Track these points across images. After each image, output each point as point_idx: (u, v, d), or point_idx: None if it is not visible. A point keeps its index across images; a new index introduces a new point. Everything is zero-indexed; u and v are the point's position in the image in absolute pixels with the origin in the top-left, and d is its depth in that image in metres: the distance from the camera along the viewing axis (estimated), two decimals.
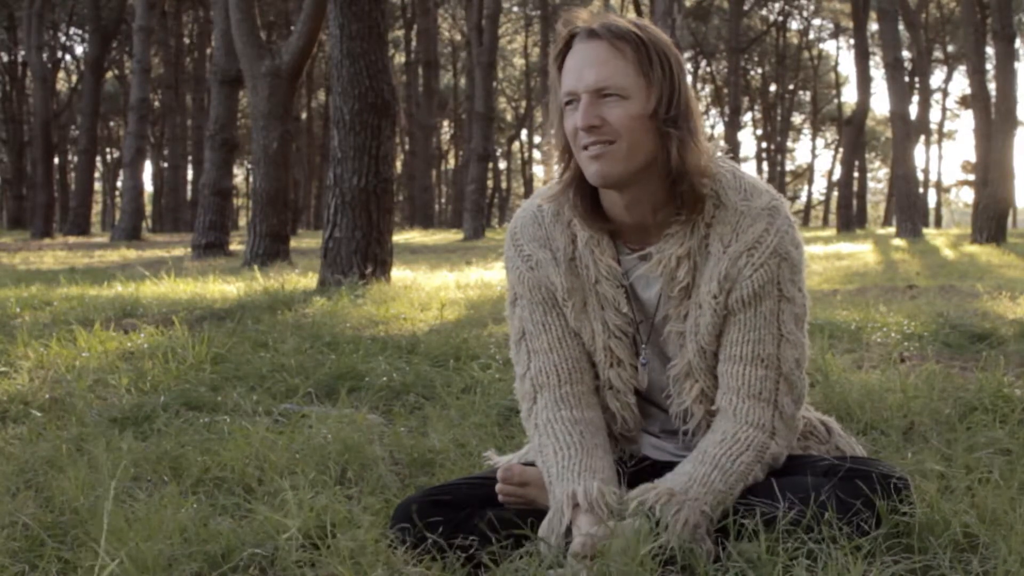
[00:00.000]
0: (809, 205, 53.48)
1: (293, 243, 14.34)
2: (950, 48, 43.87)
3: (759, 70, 49.16)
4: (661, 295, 2.01)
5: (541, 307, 2.06)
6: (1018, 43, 21.80)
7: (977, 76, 20.62)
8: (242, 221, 42.49)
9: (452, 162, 49.46)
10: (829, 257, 13.96)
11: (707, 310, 1.96)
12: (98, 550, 1.86)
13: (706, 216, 1.95)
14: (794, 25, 47.12)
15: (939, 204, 48.26)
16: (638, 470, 2.06)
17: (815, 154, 53.02)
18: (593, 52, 1.88)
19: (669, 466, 2.01)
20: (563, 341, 2.05)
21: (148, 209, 42.07)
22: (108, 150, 49.33)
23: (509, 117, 52.65)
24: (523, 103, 50.92)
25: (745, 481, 1.89)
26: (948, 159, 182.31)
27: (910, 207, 21.26)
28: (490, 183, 41.17)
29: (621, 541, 1.72)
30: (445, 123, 49.67)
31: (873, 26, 31.43)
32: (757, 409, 1.94)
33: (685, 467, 1.91)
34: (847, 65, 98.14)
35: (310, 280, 8.12)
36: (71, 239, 24.57)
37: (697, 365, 2.00)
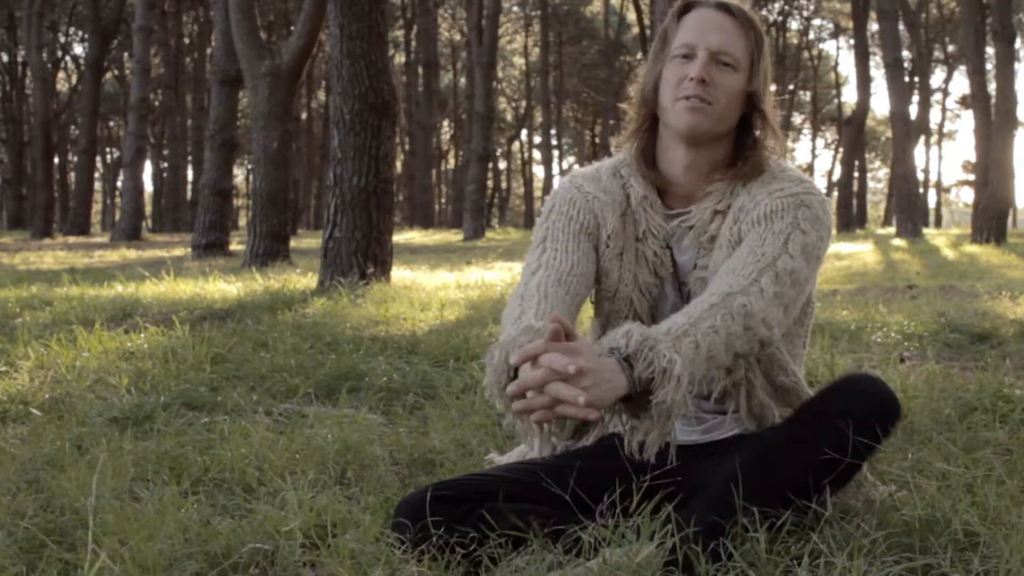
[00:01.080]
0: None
1: (293, 243, 14.34)
2: (950, 48, 43.88)
3: None
4: (696, 251, 2.10)
5: (578, 225, 2.12)
6: (1018, 43, 21.80)
7: (977, 76, 20.61)
8: (242, 221, 42.48)
9: (452, 162, 49.46)
10: (829, 257, 13.94)
11: (724, 246, 2.05)
12: (98, 550, 1.86)
13: (745, 178, 2.07)
14: (794, 25, 47.15)
15: (939, 204, 48.27)
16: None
17: (815, 154, 53.02)
18: (723, 20, 2.05)
19: (692, 451, 2.03)
20: (587, 256, 2.09)
21: (148, 209, 42.08)
22: (108, 150, 49.34)
23: (509, 117, 52.66)
24: (523, 103, 50.94)
25: (713, 320, 1.84)
26: (948, 159, 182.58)
27: (910, 207, 21.26)
28: (490, 183, 41.17)
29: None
30: (445, 123, 49.67)
31: (873, 26, 31.43)
32: (732, 279, 1.93)
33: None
34: (847, 65, 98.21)
35: (310, 280, 8.12)
36: (71, 239, 24.57)
37: None
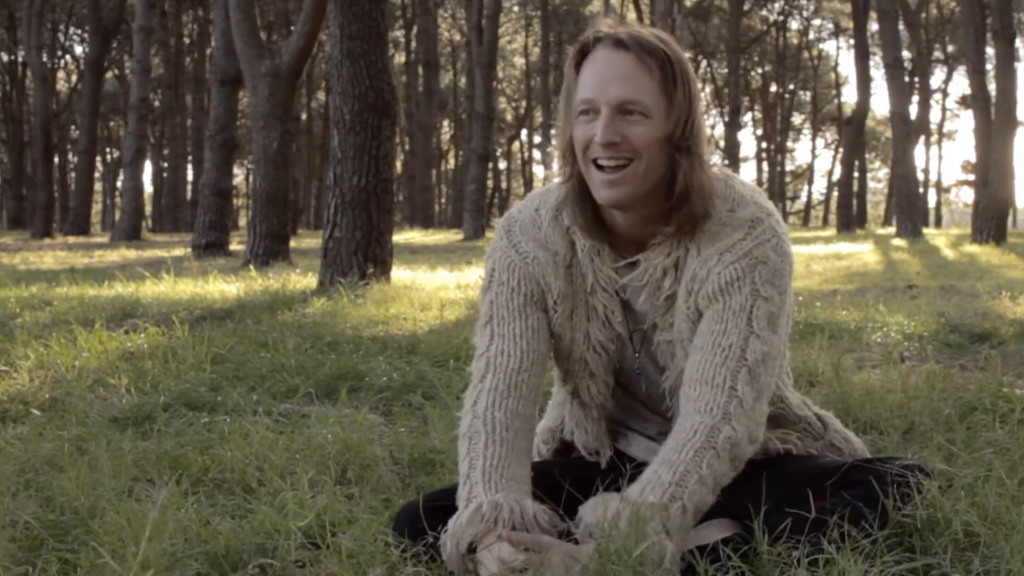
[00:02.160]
0: (809, 205, 53.49)
1: (293, 243, 14.34)
2: (950, 48, 43.87)
3: (759, 70, 49.17)
4: (650, 305, 1.98)
5: (522, 297, 1.99)
6: (1018, 43, 21.79)
7: (977, 76, 20.63)
8: (242, 221, 42.47)
9: (452, 162, 49.46)
10: (829, 257, 13.96)
11: (681, 316, 1.93)
12: (100, 550, 1.86)
13: (694, 229, 1.91)
14: (794, 25, 47.19)
15: (939, 204, 48.27)
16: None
17: (815, 154, 53.08)
18: (619, 64, 1.82)
19: None
20: (536, 334, 1.98)
21: (148, 209, 42.07)
22: (108, 150, 49.33)
23: (509, 117, 52.66)
24: (523, 103, 50.95)
25: (699, 471, 1.78)
26: (948, 159, 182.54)
27: (910, 207, 21.27)
28: (490, 183, 41.15)
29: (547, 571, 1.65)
30: (445, 123, 49.69)
31: (873, 26, 31.43)
32: (708, 394, 1.85)
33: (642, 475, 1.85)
34: (847, 65, 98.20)
35: (310, 280, 8.12)
36: (71, 239, 24.57)
37: None
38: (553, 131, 1.98)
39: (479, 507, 1.77)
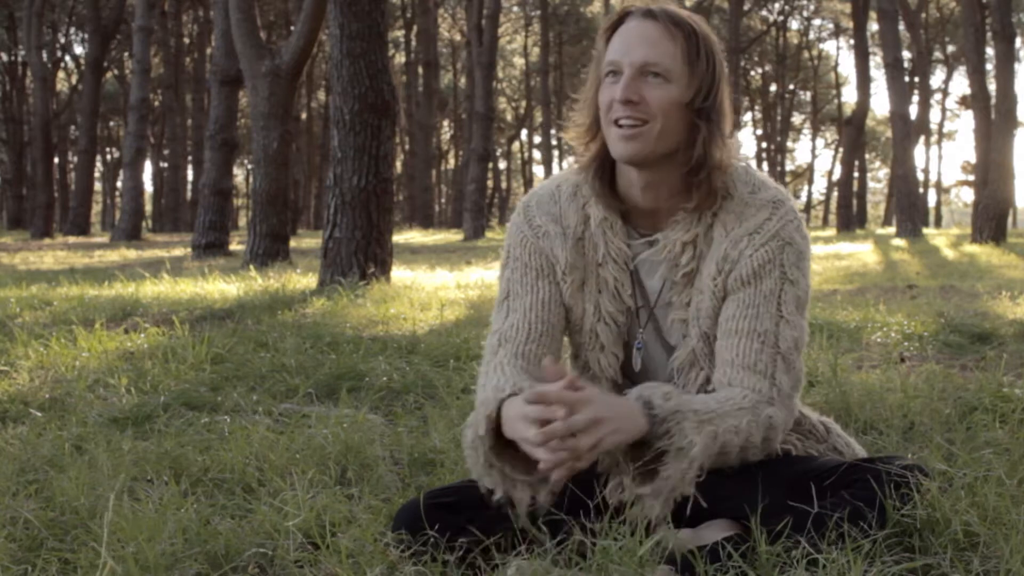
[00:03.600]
0: (809, 205, 53.48)
1: (293, 243, 14.34)
2: (950, 48, 43.87)
3: (759, 70, 49.17)
4: (665, 282, 2.02)
5: (534, 271, 2.06)
6: (1018, 43, 21.80)
7: (977, 76, 20.60)
8: (242, 221, 42.48)
9: (452, 162, 49.45)
10: (829, 257, 13.95)
11: (707, 295, 1.97)
12: (100, 550, 1.86)
13: (713, 206, 1.97)
14: (794, 25, 47.18)
15: (939, 204, 48.27)
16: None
17: (815, 154, 53.09)
18: (646, 30, 1.91)
19: None
20: (547, 305, 2.04)
21: (148, 209, 42.07)
22: (108, 150, 49.34)
23: (509, 117, 52.66)
24: (523, 103, 50.95)
25: (737, 421, 1.83)
26: (948, 159, 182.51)
27: (910, 207, 21.26)
28: (490, 183, 41.16)
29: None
30: (445, 123, 49.68)
31: (873, 26, 31.44)
32: (754, 379, 1.91)
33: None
34: (847, 65, 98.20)
35: (310, 280, 8.12)
36: (71, 239, 24.58)
37: (701, 351, 2.01)
38: (581, 104, 2.03)
39: (493, 389, 1.84)
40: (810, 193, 54.70)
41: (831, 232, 27.41)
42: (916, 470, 1.89)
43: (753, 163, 2.06)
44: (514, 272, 2.08)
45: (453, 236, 25.17)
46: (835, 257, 14.06)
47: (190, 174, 38.84)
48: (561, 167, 53.41)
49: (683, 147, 1.94)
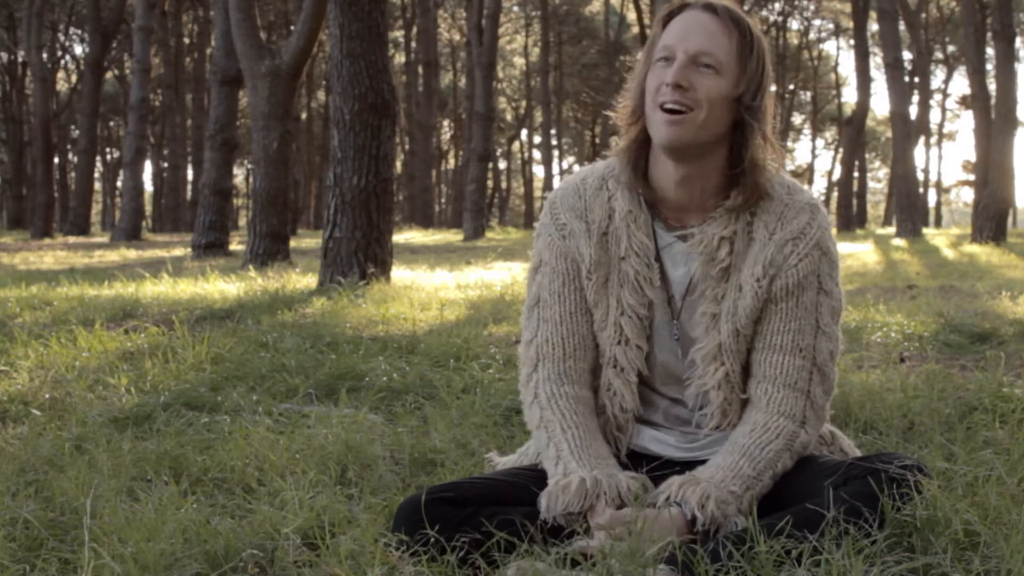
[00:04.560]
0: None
1: (293, 243, 14.34)
2: (950, 48, 43.87)
3: None
4: (694, 275, 2.04)
5: (562, 277, 2.10)
6: (1018, 43, 21.80)
7: (977, 76, 20.62)
8: (242, 221, 42.48)
9: (452, 162, 49.44)
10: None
11: (748, 293, 2.00)
12: (100, 550, 1.86)
13: (755, 205, 2.02)
14: (794, 25, 47.15)
15: (939, 204, 48.25)
16: (649, 470, 2.05)
17: (815, 154, 53.01)
18: (704, 22, 1.96)
19: (679, 466, 2.02)
20: (574, 316, 2.09)
21: (148, 209, 42.06)
22: (108, 150, 49.33)
23: (509, 117, 52.65)
24: (523, 103, 50.93)
25: (774, 468, 1.94)
26: (948, 159, 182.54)
27: (910, 207, 21.26)
28: (490, 183, 41.17)
29: (647, 534, 1.77)
30: (445, 123, 49.67)
31: (873, 26, 31.43)
32: (791, 399, 1.99)
33: (715, 459, 1.96)
34: (847, 65, 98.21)
35: (310, 280, 8.12)
36: (71, 239, 24.57)
37: (728, 347, 2.03)
38: (628, 88, 2.06)
39: (582, 481, 1.89)
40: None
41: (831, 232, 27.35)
42: (915, 469, 1.89)
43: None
44: (543, 277, 2.12)
45: (453, 236, 25.17)
46: None
47: (190, 174, 38.81)
48: (561, 167, 53.49)
49: (723, 143, 1.98)
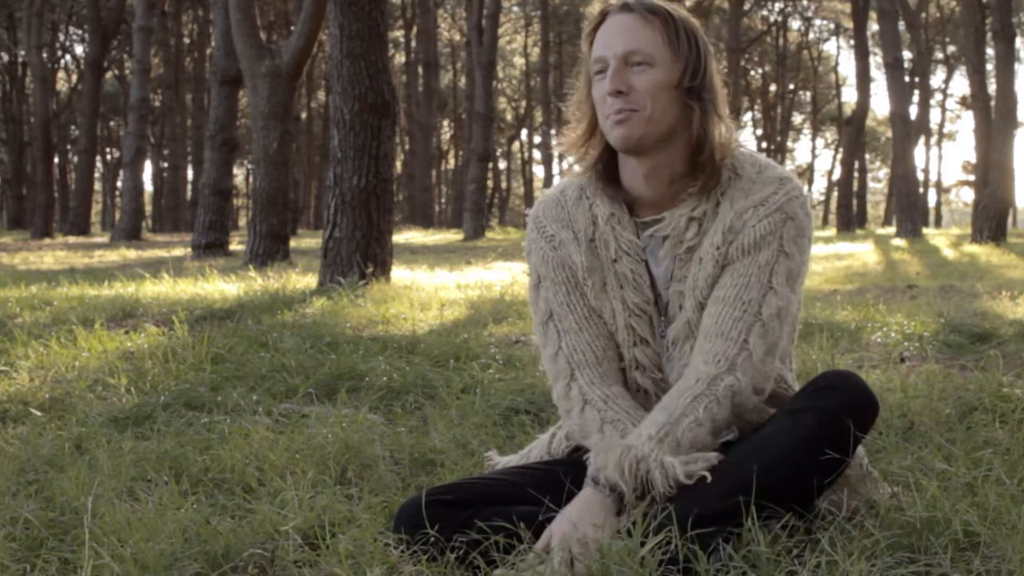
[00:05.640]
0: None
1: (293, 243, 14.34)
2: (950, 48, 43.86)
3: (759, 70, 49.15)
4: (672, 261, 2.04)
5: (564, 287, 2.10)
6: (1018, 43, 21.80)
7: (977, 76, 20.60)
8: (242, 221, 42.47)
9: (452, 162, 49.45)
10: (829, 257, 13.95)
11: (708, 262, 2.00)
12: (100, 550, 1.86)
13: (721, 186, 2.01)
14: (794, 25, 47.15)
15: (939, 204, 48.25)
16: None
17: (815, 154, 53.01)
18: (624, 22, 1.97)
19: None
20: (590, 320, 2.09)
21: (148, 209, 42.06)
22: (108, 150, 49.31)
23: (509, 117, 52.63)
24: (523, 103, 50.93)
25: (696, 413, 1.88)
26: (948, 159, 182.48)
27: (910, 207, 21.26)
28: (490, 183, 41.16)
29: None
30: (445, 123, 49.67)
31: (873, 26, 31.42)
32: (719, 345, 1.94)
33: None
34: (847, 65, 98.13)
35: (310, 280, 8.12)
36: (71, 239, 24.57)
37: (696, 322, 2.02)
38: (575, 109, 2.07)
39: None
40: (810, 193, 54.55)
41: (831, 232, 27.40)
42: (866, 396, 1.91)
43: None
44: (547, 291, 2.12)
45: (453, 236, 25.17)
46: (835, 257, 14.05)
47: (190, 174, 38.81)
48: (561, 166, 53.44)
49: (679, 129, 1.98)
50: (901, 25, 25.85)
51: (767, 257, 1.96)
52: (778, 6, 44.25)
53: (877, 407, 1.91)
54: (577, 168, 2.12)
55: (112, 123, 48.20)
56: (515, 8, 44.60)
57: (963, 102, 46.63)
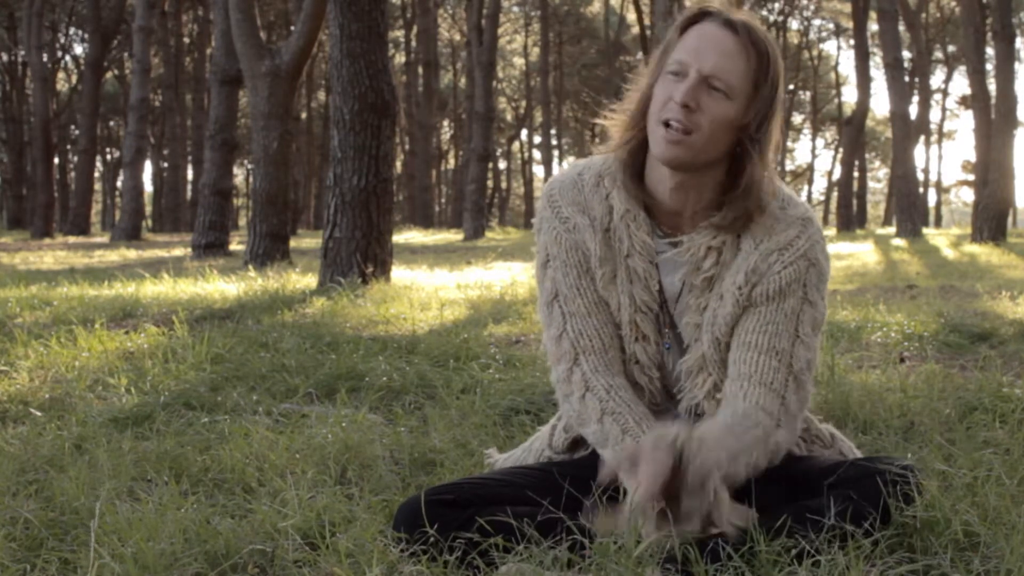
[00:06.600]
0: (809, 205, 53.42)
1: (293, 243, 14.34)
2: (950, 48, 43.86)
3: None
4: (684, 284, 2.03)
5: (576, 270, 2.07)
6: (1018, 43, 21.80)
7: (977, 76, 20.60)
8: (242, 221, 42.46)
9: (452, 162, 49.43)
10: (829, 257, 13.93)
11: (728, 301, 1.98)
12: (100, 550, 1.86)
13: (738, 228, 1.99)
14: (794, 25, 47.14)
15: (939, 204, 48.25)
16: None
17: (815, 154, 53.01)
18: (722, 40, 1.90)
19: None
20: (598, 306, 2.06)
21: (148, 209, 42.04)
22: (108, 150, 49.31)
23: (509, 117, 52.63)
24: (523, 103, 50.91)
25: (750, 456, 1.86)
26: (948, 159, 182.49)
27: (910, 207, 21.27)
28: (490, 183, 41.15)
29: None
30: (445, 123, 49.66)
31: (873, 26, 31.40)
32: (768, 397, 1.93)
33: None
34: (847, 65, 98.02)
35: (310, 280, 8.12)
36: (71, 239, 24.57)
37: (711, 358, 2.01)
38: (632, 91, 2.01)
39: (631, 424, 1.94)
40: (810, 193, 54.67)
41: (831, 232, 27.38)
42: (910, 470, 1.89)
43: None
44: (557, 272, 2.08)
45: (453, 236, 25.17)
46: (835, 257, 14.04)
47: (190, 174, 38.80)
48: (561, 166, 53.45)
49: (722, 162, 1.95)
50: (901, 25, 25.85)
51: (793, 305, 1.96)
52: (778, 6, 44.24)
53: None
54: (600, 149, 2.08)
55: (112, 123, 48.19)
56: (515, 8, 44.61)
57: (963, 102, 46.62)
